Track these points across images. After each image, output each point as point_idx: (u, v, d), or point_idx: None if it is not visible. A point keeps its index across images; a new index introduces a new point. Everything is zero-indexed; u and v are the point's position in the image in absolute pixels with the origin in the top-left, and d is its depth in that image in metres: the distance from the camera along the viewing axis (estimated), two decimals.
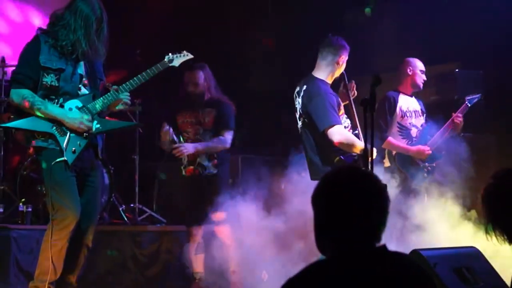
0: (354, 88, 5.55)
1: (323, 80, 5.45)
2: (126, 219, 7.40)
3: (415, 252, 4.22)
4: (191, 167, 6.23)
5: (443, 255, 4.36)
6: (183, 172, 6.29)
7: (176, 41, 8.52)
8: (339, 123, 5.32)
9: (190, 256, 6.30)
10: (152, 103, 7.81)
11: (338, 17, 8.24)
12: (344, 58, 5.47)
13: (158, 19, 8.87)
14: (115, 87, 4.96)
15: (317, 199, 2.34)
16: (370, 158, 4.10)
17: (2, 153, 6.92)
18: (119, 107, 5.04)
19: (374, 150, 5.42)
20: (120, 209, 7.44)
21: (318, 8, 8.37)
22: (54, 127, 4.74)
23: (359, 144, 5.19)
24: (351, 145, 5.27)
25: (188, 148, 6.12)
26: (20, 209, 6.46)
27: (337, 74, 5.50)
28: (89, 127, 4.81)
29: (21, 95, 4.70)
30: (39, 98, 4.70)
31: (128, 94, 5.02)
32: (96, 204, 5.01)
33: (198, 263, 6.31)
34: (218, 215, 5.98)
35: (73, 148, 4.76)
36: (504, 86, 7.73)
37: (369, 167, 4.06)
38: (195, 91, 6.24)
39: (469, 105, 6.52)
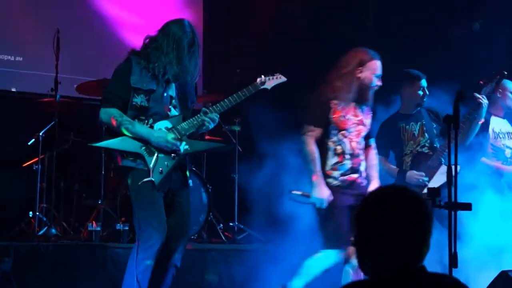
0: None
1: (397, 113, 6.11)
2: (224, 238, 7.42)
3: (504, 273, 4.06)
4: (355, 175, 5.21)
5: None
6: (337, 181, 5.16)
7: (276, 60, 8.53)
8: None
9: None
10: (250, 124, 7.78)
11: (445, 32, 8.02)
12: (409, 88, 6.01)
13: (259, 37, 8.89)
14: (204, 109, 4.97)
15: (359, 218, 2.29)
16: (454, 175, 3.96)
17: (103, 172, 7.10)
18: (203, 129, 5.03)
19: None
20: (218, 228, 7.47)
21: (421, 21, 8.17)
22: (143, 147, 4.79)
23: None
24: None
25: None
26: (117, 227, 6.60)
27: (412, 102, 6.00)
28: (175, 145, 4.83)
29: (110, 114, 4.78)
30: (127, 118, 4.77)
31: (217, 115, 5.01)
32: (184, 225, 4.99)
33: None
34: None
35: (161, 169, 4.79)
36: None
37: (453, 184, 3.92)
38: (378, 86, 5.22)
39: None
